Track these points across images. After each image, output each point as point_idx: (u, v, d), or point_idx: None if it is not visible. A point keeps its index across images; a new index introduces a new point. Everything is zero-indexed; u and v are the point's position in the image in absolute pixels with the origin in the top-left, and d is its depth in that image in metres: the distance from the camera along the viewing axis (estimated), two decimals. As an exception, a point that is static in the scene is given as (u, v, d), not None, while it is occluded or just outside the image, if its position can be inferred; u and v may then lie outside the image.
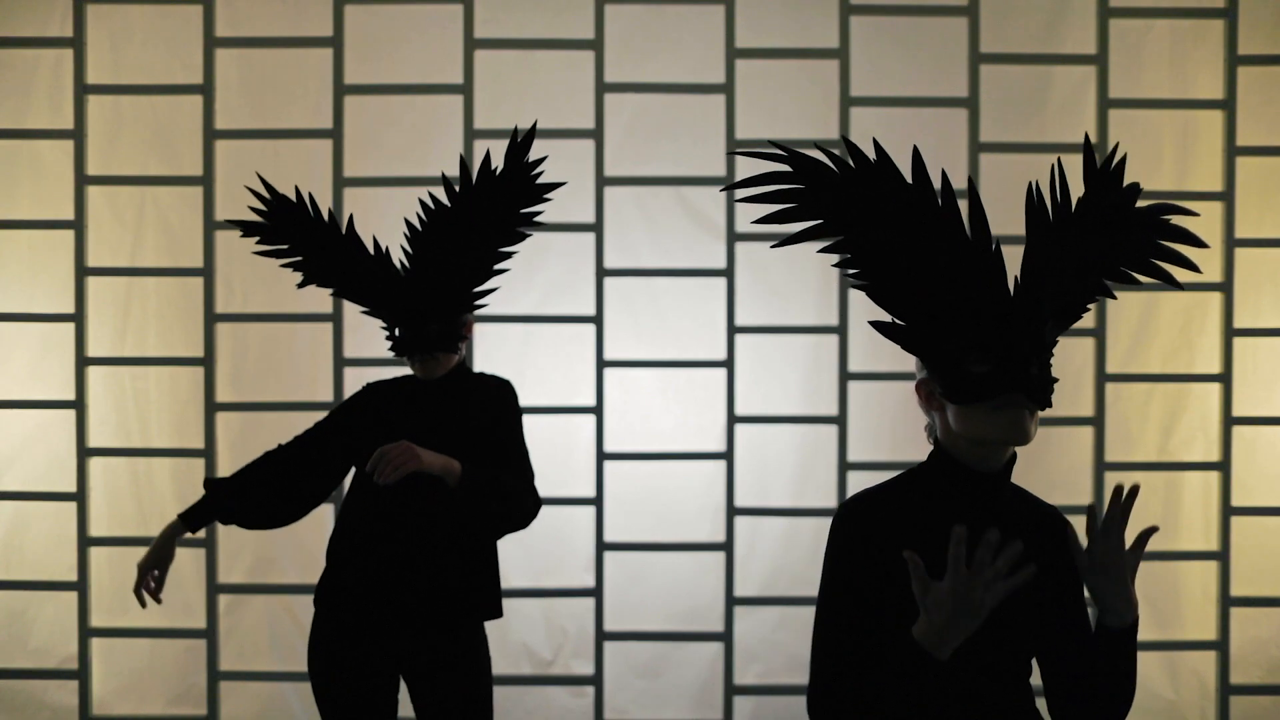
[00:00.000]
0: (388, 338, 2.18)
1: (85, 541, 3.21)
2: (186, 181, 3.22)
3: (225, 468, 3.21)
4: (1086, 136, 1.48)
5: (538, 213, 2.15)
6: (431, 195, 2.14)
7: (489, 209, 2.11)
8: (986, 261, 1.39)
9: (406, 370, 2.35)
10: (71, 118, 3.21)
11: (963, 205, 1.42)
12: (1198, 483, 3.26)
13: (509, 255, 2.16)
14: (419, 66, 3.22)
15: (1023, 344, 1.37)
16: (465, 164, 2.13)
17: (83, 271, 3.22)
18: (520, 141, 2.11)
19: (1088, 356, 3.21)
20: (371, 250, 2.18)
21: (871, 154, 1.40)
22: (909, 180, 1.40)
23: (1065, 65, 3.22)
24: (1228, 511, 3.19)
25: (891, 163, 1.40)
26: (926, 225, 1.39)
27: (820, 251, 1.47)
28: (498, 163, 2.14)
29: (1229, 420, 3.20)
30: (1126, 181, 1.46)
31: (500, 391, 2.23)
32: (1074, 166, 1.53)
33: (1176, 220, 1.47)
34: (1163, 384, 3.24)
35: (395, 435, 2.10)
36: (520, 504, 2.08)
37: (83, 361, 3.22)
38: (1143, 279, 1.46)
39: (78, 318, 3.22)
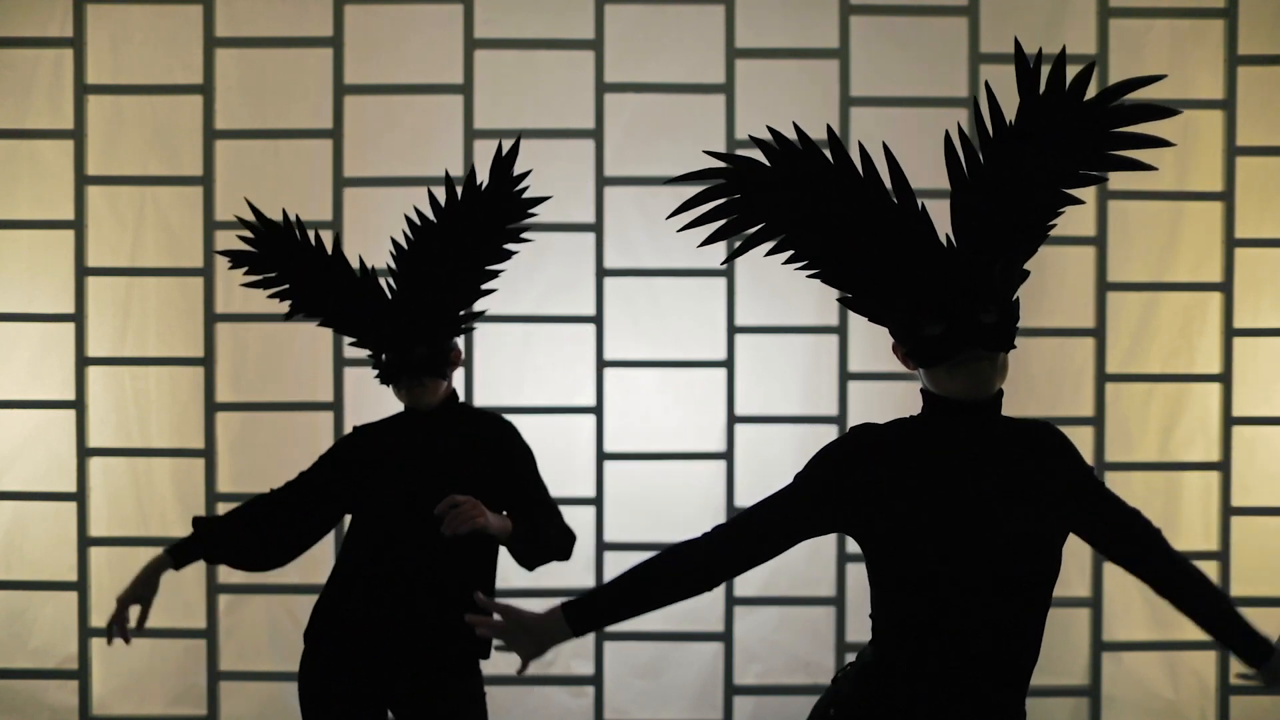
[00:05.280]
0: (374, 366, 2.12)
1: (85, 541, 3.21)
2: (186, 181, 3.22)
3: (225, 468, 3.22)
4: (1016, 41, 1.49)
5: (523, 228, 2.09)
6: (418, 211, 2.09)
7: (475, 225, 2.06)
8: (913, 221, 1.46)
9: (394, 410, 2.24)
10: (71, 118, 3.21)
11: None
12: (1198, 483, 3.26)
13: (495, 274, 2.12)
14: (419, 66, 3.22)
15: (968, 296, 1.42)
16: (450, 180, 2.08)
17: (83, 271, 3.22)
18: (504, 155, 2.04)
19: (1088, 356, 3.21)
20: (358, 272, 2.12)
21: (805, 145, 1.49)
22: (830, 160, 1.48)
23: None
24: (1228, 511, 3.19)
25: (814, 145, 1.48)
26: (854, 197, 1.47)
27: (767, 255, 1.53)
28: (483, 177, 2.09)
29: (1229, 420, 3.19)
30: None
31: (506, 434, 2.16)
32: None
33: (1131, 98, 1.44)
34: (1163, 384, 3.24)
35: (392, 475, 2.05)
36: (561, 546, 2.16)
37: (83, 361, 3.22)
38: (1108, 175, 1.48)
39: (78, 318, 3.21)
